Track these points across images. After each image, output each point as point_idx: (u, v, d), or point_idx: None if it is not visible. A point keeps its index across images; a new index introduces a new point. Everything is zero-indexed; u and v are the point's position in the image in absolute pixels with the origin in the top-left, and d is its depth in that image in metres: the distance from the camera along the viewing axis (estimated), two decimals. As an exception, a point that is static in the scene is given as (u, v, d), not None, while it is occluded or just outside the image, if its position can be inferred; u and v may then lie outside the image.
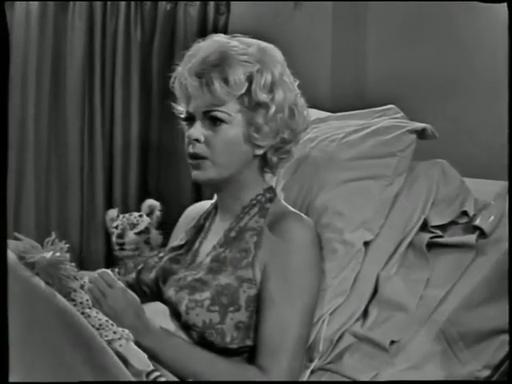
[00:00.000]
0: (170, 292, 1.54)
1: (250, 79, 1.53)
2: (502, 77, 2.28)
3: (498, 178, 1.73)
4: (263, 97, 1.54)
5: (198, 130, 1.55)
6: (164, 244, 2.79)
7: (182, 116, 1.63)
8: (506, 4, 1.72)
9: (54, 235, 1.42)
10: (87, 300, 1.40)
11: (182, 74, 1.57)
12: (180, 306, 1.50)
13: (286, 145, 1.61)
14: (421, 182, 1.72)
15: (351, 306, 1.62)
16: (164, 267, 1.64)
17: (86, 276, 1.50)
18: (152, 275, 1.64)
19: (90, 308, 1.39)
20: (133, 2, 2.97)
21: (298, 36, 2.75)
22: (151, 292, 1.64)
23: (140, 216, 2.70)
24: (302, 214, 1.61)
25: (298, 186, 1.77)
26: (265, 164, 1.62)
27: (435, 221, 1.67)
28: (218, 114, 1.54)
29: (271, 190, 1.64)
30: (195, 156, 1.55)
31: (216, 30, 3.00)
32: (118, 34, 2.97)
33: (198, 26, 3.05)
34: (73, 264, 1.42)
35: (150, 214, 2.72)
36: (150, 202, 2.74)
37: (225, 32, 3.16)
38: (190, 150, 1.56)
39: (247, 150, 1.57)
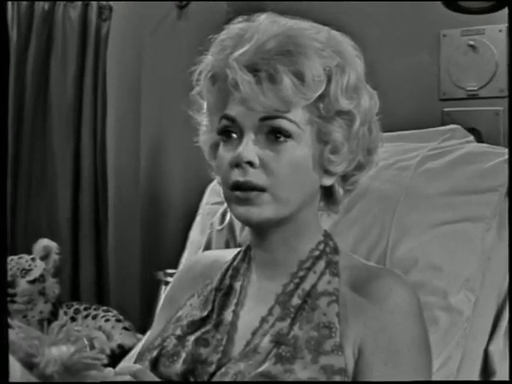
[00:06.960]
0: None
1: (328, 77, 1.06)
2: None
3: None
4: (345, 103, 1.06)
5: (251, 149, 1.03)
6: (60, 296, 2.24)
7: (215, 127, 1.10)
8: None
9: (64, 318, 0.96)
10: None
11: (226, 65, 1.03)
12: None
13: (359, 171, 1.14)
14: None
15: (459, 393, 1.19)
16: (192, 353, 1.10)
17: (111, 374, 0.96)
18: (178, 366, 1.10)
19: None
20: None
21: (184, 40, 2.64)
22: None
23: (32, 260, 2.24)
24: (396, 271, 1.15)
25: (359, 229, 1.33)
26: (325, 198, 1.14)
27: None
28: (285, 124, 1.04)
29: (329, 235, 1.17)
30: (247, 187, 1.04)
31: (98, 37, 2.81)
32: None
33: (78, 31, 2.79)
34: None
35: (44, 258, 2.29)
36: (45, 242, 2.29)
37: (106, 39, 2.78)
38: (239, 177, 1.04)
39: (315, 178, 1.09)
